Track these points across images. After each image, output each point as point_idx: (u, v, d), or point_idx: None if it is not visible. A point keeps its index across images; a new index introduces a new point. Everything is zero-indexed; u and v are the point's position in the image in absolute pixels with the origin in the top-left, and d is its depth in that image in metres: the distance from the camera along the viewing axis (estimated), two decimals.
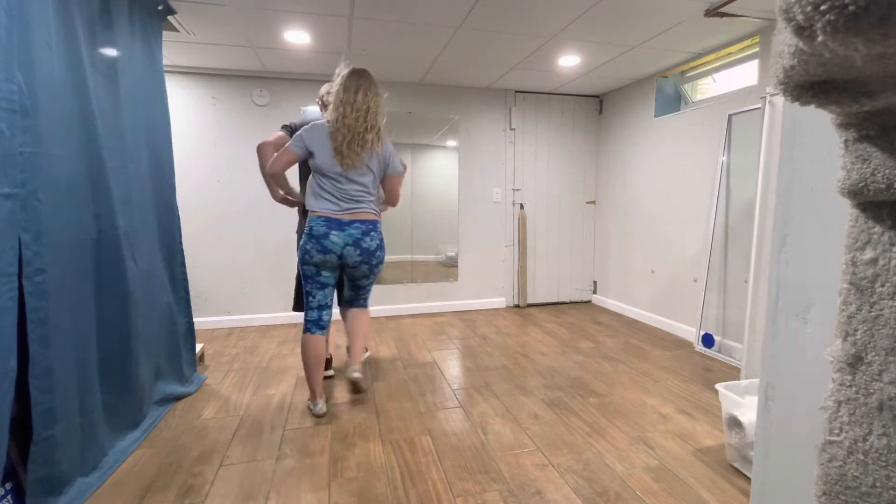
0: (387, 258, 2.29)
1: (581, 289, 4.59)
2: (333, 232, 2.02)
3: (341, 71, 2.09)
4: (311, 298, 2.12)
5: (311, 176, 2.12)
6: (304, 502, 1.56)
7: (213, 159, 3.57)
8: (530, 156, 4.32)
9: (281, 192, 2.27)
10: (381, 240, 2.16)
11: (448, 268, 4.23)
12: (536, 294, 4.45)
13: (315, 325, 2.12)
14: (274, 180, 2.14)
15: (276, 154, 2.06)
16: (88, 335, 1.71)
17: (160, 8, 2.32)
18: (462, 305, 4.26)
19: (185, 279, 2.50)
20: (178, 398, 2.32)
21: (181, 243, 2.46)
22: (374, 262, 2.14)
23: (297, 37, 2.82)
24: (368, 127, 2.03)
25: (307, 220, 2.08)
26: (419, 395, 2.40)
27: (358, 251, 2.06)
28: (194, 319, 2.66)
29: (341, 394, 2.42)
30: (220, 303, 3.67)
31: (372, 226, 2.11)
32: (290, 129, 2.33)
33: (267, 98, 3.61)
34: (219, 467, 1.76)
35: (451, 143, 4.10)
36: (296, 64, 3.35)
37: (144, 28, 2.21)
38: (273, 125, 3.64)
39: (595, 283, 4.59)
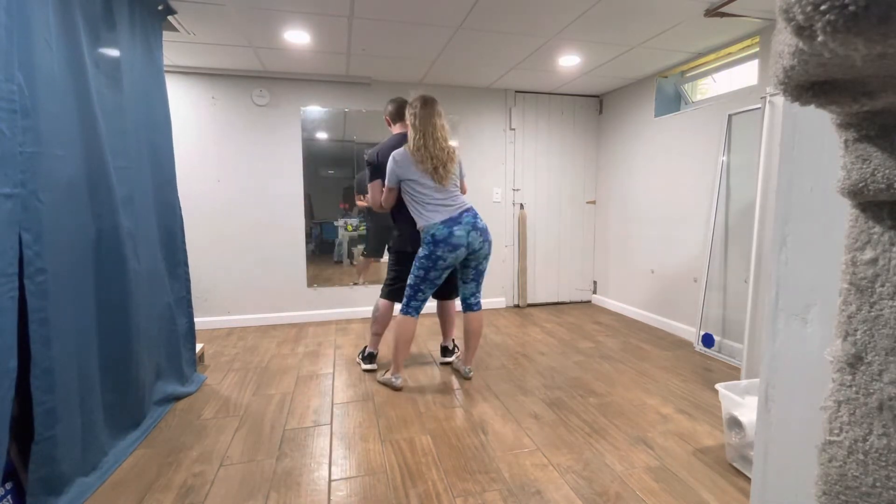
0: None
1: (581, 289, 4.59)
2: (455, 228, 2.29)
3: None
4: (421, 294, 2.39)
5: (409, 200, 2.39)
6: (304, 502, 1.56)
7: (213, 159, 3.56)
8: (530, 156, 4.32)
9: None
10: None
11: None
12: (536, 294, 4.45)
13: (416, 310, 2.40)
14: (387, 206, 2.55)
15: (383, 196, 2.48)
16: (89, 335, 1.71)
17: (160, 8, 2.32)
18: None
19: (188, 279, 2.50)
20: (178, 398, 2.32)
21: (184, 242, 2.46)
22: (489, 239, 2.42)
23: (297, 37, 2.82)
24: (449, 146, 2.40)
25: (425, 232, 2.33)
26: (419, 394, 2.40)
27: (479, 233, 2.35)
28: (194, 319, 2.66)
29: (341, 394, 2.42)
30: (220, 303, 3.67)
31: (475, 210, 2.41)
32: (373, 163, 2.54)
33: (267, 98, 3.61)
34: (219, 467, 1.76)
35: (451, 143, 4.08)
36: (296, 64, 3.35)
37: (145, 28, 2.21)
38: (273, 125, 3.65)
39: (595, 283, 4.59)
